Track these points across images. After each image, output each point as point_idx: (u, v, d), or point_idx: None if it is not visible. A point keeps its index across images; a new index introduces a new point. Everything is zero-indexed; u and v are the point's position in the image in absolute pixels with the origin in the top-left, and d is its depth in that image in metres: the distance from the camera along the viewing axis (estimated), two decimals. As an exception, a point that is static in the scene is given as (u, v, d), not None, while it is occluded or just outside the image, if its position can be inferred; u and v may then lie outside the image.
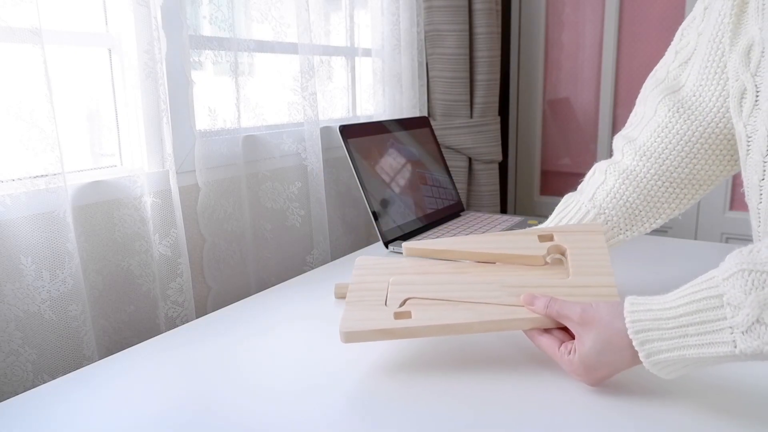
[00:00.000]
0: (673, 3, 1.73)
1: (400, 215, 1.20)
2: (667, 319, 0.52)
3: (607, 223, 0.74)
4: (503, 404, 0.60)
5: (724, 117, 0.69)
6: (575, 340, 0.59)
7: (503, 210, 1.97)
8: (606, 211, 0.74)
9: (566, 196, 0.80)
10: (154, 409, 0.61)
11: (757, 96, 0.59)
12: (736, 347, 0.48)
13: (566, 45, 1.92)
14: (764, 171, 0.59)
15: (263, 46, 1.16)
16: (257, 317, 0.84)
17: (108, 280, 0.89)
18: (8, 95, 0.73)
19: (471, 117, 1.66)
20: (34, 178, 0.75)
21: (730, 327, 0.48)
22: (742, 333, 0.48)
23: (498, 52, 1.68)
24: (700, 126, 0.70)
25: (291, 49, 1.18)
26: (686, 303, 0.51)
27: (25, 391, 0.66)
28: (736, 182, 1.72)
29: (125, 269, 0.91)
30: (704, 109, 0.69)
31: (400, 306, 0.65)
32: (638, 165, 0.73)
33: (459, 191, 1.56)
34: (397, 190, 1.23)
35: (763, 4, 0.58)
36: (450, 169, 1.45)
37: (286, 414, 0.59)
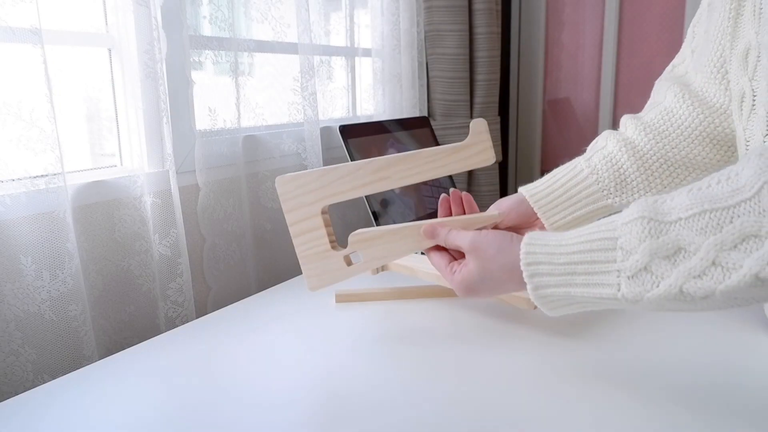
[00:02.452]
0: (673, 3, 1.73)
1: (400, 215, 1.20)
2: (559, 254, 0.53)
3: (597, 184, 0.74)
4: (500, 410, 0.60)
5: (726, 113, 0.69)
6: (463, 262, 0.63)
7: (503, 210, 1.97)
8: (598, 171, 0.75)
9: (564, 165, 0.81)
10: (154, 409, 0.61)
11: (754, 100, 0.59)
12: (619, 290, 0.49)
13: (566, 45, 1.92)
14: None
15: (263, 46, 1.15)
16: (257, 317, 0.84)
17: (108, 280, 0.89)
18: (8, 95, 0.73)
19: (471, 117, 1.66)
20: (34, 178, 0.75)
21: (618, 270, 0.49)
22: (628, 278, 0.48)
23: (498, 52, 1.68)
24: (702, 114, 0.70)
25: (291, 49, 1.18)
26: (581, 242, 0.52)
27: (25, 391, 0.66)
28: (736, 182, 1.72)
29: (125, 269, 0.90)
30: (708, 103, 0.70)
31: (348, 249, 0.69)
32: (638, 137, 0.74)
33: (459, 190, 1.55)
34: (396, 190, 1.23)
35: (760, 9, 0.57)
36: (450, 169, 1.45)
37: (286, 413, 0.59)
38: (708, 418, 0.56)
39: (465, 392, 0.62)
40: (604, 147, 0.76)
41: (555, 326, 0.76)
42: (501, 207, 0.75)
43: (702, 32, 0.71)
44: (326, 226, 0.69)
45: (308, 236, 0.69)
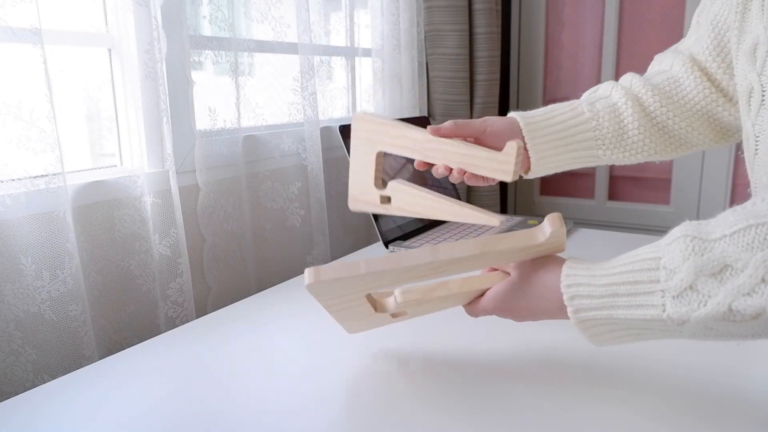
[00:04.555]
0: (673, 3, 1.73)
1: (400, 215, 1.20)
2: (600, 276, 0.52)
3: (595, 131, 0.72)
4: (504, 413, 0.60)
5: (725, 96, 0.69)
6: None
7: (503, 210, 1.97)
8: (599, 118, 0.72)
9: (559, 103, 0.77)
10: (154, 409, 0.61)
11: (763, 95, 0.58)
12: (664, 311, 0.47)
13: (566, 45, 1.92)
14: None
15: (263, 46, 1.15)
16: (257, 317, 0.84)
17: (108, 280, 0.89)
18: (8, 95, 0.73)
19: (471, 117, 1.66)
20: (34, 178, 0.75)
21: (662, 290, 0.47)
22: (673, 297, 0.47)
23: (498, 52, 1.68)
24: (707, 89, 0.70)
25: (291, 49, 1.18)
26: (623, 263, 0.51)
27: (25, 391, 0.66)
28: (736, 182, 1.72)
29: (125, 269, 0.90)
30: (714, 80, 0.70)
31: (395, 309, 0.65)
32: (646, 95, 0.72)
33: (459, 191, 1.55)
34: (397, 190, 1.22)
35: None
36: (450, 169, 1.45)
37: (285, 413, 0.59)
38: (707, 418, 0.56)
39: (467, 390, 0.62)
40: (608, 96, 0.73)
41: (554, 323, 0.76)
42: (490, 126, 0.70)
43: (704, 21, 0.71)
44: (369, 300, 0.65)
45: (351, 311, 0.66)
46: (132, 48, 0.90)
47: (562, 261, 0.56)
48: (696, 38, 0.73)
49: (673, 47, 0.78)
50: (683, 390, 0.62)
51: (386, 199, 0.70)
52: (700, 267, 0.45)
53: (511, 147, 0.65)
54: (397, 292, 0.62)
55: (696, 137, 0.72)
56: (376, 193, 0.71)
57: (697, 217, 1.86)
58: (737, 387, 0.62)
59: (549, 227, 0.57)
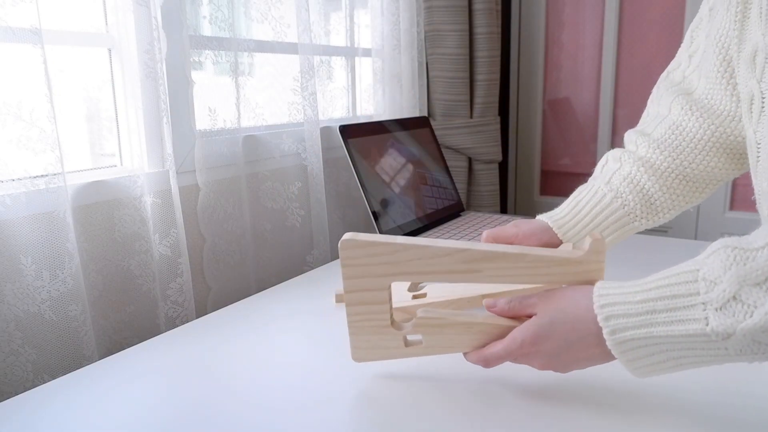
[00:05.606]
0: (673, 3, 1.73)
1: (400, 215, 1.20)
2: (635, 293, 0.49)
3: (624, 208, 0.72)
4: (503, 416, 0.60)
5: (734, 119, 0.69)
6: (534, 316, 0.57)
7: (503, 210, 1.97)
8: (623, 195, 0.72)
9: (579, 188, 0.77)
10: (154, 408, 0.61)
11: (763, 102, 0.58)
12: (707, 325, 0.45)
13: (566, 45, 1.92)
14: None
15: (263, 46, 1.16)
16: (257, 317, 0.84)
17: (108, 280, 0.89)
18: (8, 95, 0.73)
19: (471, 117, 1.66)
20: (34, 178, 0.75)
21: (703, 303, 0.46)
22: (716, 309, 0.45)
23: (498, 52, 1.68)
24: (712, 125, 0.69)
25: (291, 49, 1.18)
26: (659, 278, 0.49)
27: (25, 391, 0.66)
28: (737, 182, 1.72)
29: (125, 269, 0.91)
30: (715, 111, 0.69)
31: (411, 329, 0.62)
32: (654, 155, 0.72)
33: (459, 191, 1.56)
34: (397, 190, 1.22)
35: (767, 10, 0.57)
36: (450, 169, 1.45)
37: (286, 413, 0.59)
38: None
39: (468, 392, 0.62)
40: (620, 168, 0.74)
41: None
42: (522, 229, 0.71)
43: (703, 36, 0.71)
44: (390, 300, 0.62)
45: (368, 308, 0.61)
46: (132, 48, 0.90)
47: (591, 287, 0.53)
48: (689, 55, 0.72)
49: (665, 76, 0.77)
50: (681, 405, 0.62)
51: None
52: (743, 276, 0.44)
53: (598, 242, 0.60)
54: (419, 311, 0.60)
55: (718, 173, 0.71)
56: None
57: (697, 217, 1.87)
58: (736, 403, 0.62)
59: (588, 244, 0.57)
